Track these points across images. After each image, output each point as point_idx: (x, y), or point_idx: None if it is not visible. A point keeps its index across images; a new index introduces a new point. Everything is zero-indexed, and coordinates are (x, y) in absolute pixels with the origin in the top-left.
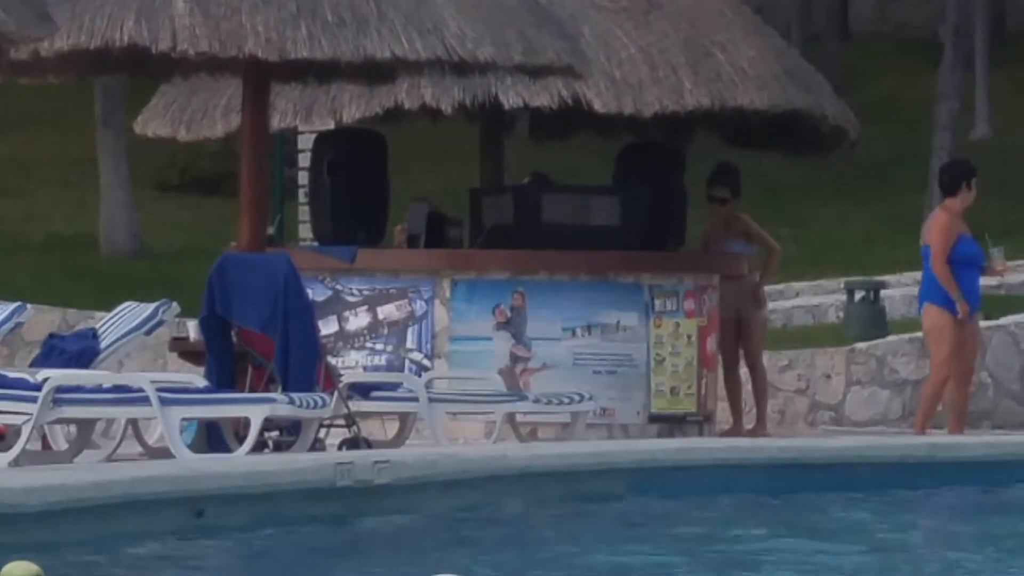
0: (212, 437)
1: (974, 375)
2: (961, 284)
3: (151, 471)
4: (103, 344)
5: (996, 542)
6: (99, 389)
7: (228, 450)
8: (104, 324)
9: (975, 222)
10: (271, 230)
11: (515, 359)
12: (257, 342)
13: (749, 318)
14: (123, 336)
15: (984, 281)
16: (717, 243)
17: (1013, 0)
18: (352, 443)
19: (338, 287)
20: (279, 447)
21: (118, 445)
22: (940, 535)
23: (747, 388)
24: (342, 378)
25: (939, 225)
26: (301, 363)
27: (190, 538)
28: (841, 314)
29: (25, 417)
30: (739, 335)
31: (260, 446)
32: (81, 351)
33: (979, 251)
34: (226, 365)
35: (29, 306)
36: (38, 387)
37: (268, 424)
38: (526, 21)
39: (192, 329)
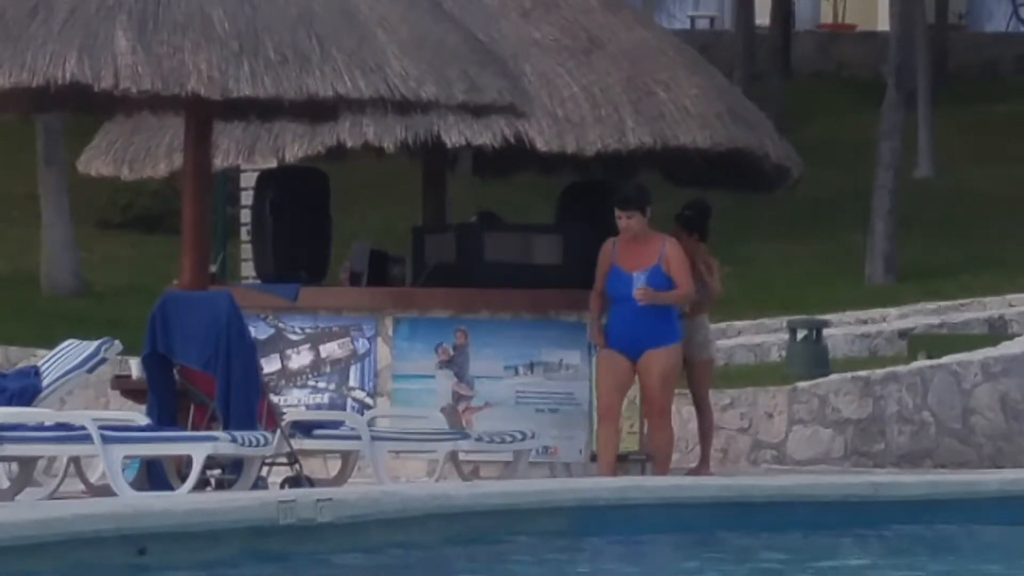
0: (154, 475)
1: (667, 410)
2: (610, 318)
3: (93, 509)
4: (45, 382)
5: None
6: (41, 427)
7: (170, 488)
8: (46, 362)
9: (919, 260)
10: (213, 268)
11: (457, 397)
12: (199, 380)
13: (694, 359)
14: (65, 374)
15: (925, 320)
16: None
17: (955, 40)
18: (294, 481)
19: (280, 325)
20: (221, 485)
21: (60, 483)
22: (879, 575)
23: (691, 427)
24: (284, 416)
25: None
26: (243, 401)
27: None
28: (783, 353)
29: None
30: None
31: (202, 484)
32: (23, 389)
33: (619, 284)
34: (168, 403)
35: None
36: None
37: (210, 462)
38: (468, 60)
39: (134, 367)
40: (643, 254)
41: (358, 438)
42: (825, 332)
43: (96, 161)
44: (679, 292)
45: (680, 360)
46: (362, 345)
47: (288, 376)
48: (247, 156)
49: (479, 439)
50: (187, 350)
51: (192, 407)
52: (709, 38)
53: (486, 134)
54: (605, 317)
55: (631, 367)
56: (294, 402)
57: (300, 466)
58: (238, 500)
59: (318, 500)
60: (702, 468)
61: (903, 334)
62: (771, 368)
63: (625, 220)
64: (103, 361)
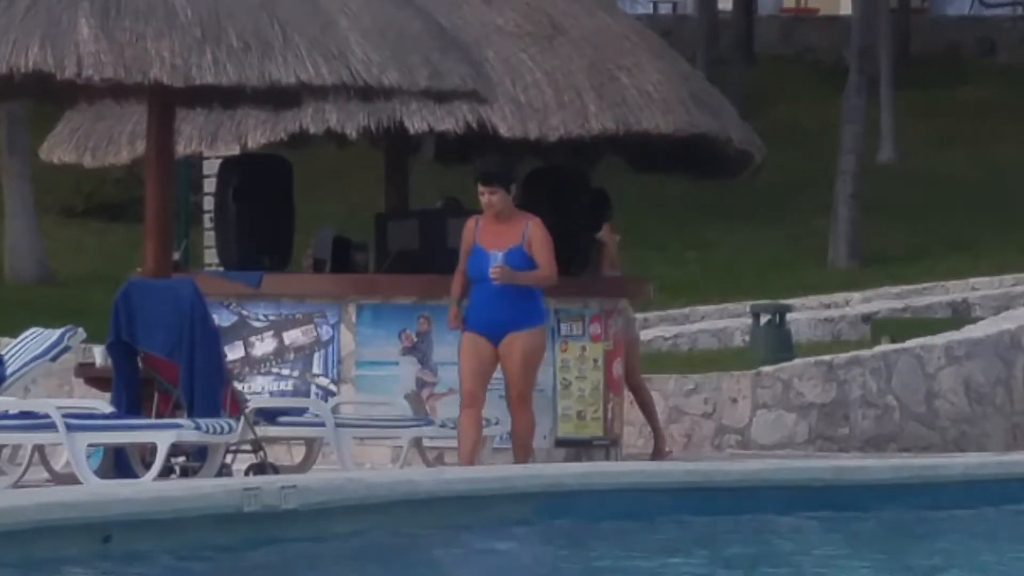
0: (119, 463)
1: (528, 395)
2: (471, 300)
3: (58, 497)
4: (9, 370)
5: (901, 564)
6: (5, 415)
7: (135, 476)
8: (9, 350)
9: (882, 244)
10: (176, 256)
11: (421, 384)
12: (163, 368)
13: (623, 339)
14: (29, 362)
15: (888, 304)
16: None
17: (918, 24)
18: (259, 468)
19: (244, 312)
20: (186, 473)
21: (24, 471)
22: (844, 559)
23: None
24: (248, 403)
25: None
26: (207, 389)
27: (97, 564)
28: (747, 338)
29: None
30: None
31: (167, 472)
32: None
33: (480, 263)
34: (132, 391)
35: None
36: None
37: (175, 450)
38: (431, 46)
39: (98, 355)
40: (506, 234)
41: (322, 425)
42: (789, 317)
43: (58, 149)
44: (538, 274)
45: (544, 343)
46: (325, 332)
47: (252, 363)
48: (210, 143)
49: (443, 425)
50: (151, 338)
51: (156, 395)
52: (672, 23)
53: (449, 120)
54: (466, 300)
55: (494, 352)
56: (258, 389)
57: (264, 453)
58: (203, 487)
59: (282, 487)
60: (659, 443)
61: (866, 318)
62: (735, 353)
63: (488, 196)
64: (67, 349)
